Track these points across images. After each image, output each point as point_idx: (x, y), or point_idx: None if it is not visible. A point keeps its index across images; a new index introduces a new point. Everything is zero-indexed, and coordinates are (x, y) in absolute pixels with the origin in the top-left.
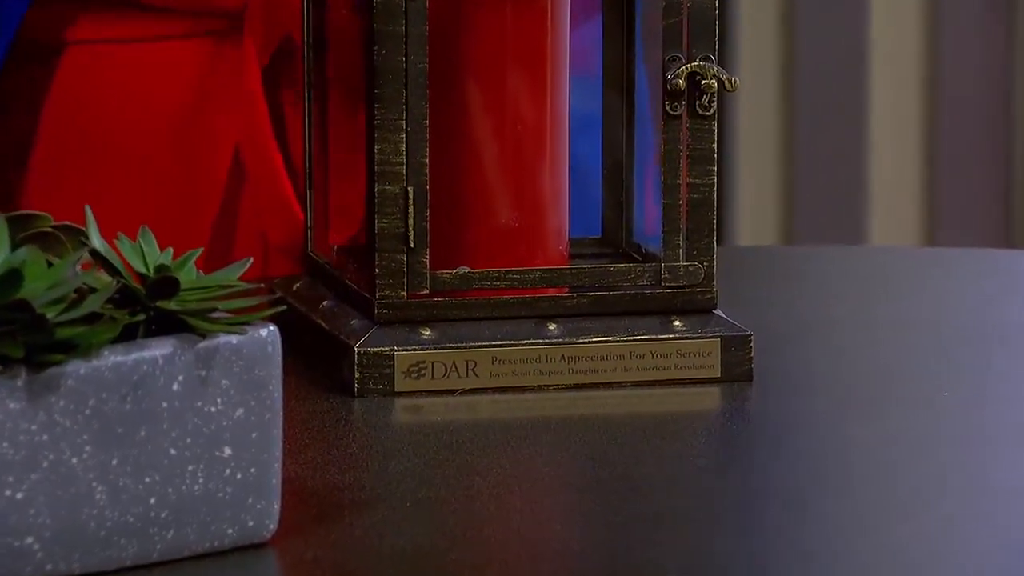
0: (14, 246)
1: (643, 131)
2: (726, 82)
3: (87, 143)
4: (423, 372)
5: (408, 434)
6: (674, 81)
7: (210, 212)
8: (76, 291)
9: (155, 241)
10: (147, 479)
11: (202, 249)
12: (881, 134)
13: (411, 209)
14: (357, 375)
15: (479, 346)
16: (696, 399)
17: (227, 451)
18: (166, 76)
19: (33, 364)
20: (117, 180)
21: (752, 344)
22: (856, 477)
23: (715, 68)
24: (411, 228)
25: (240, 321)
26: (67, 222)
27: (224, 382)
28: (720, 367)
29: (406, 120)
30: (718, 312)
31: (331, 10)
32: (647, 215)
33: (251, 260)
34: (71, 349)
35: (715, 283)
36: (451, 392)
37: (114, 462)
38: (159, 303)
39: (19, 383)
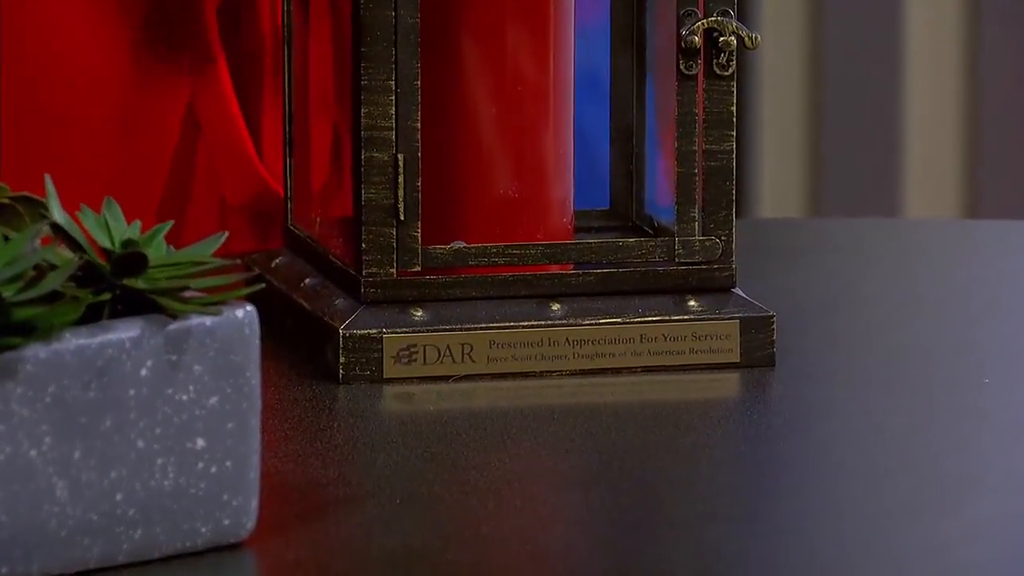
0: None
1: (655, 93)
2: (746, 39)
3: (17, 100)
4: (414, 357)
5: (398, 425)
6: (689, 38)
7: (160, 171)
8: (35, 268)
9: (121, 213)
10: (113, 473)
11: (172, 223)
12: (918, 95)
13: (401, 178)
14: (342, 360)
15: (475, 328)
16: (713, 386)
17: (200, 443)
18: (104, 24)
19: None
20: (54, 140)
21: (774, 326)
22: (890, 470)
23: (734, 24)
24: (401, 199)
25: (214, 301)
26: (26, 192)
27: (197, 367)
28: (739, 351)
29: (395, 80)
30: (737, 291)
31: None
32: (659, 185)
33: (226, 234)
34: (30, 332)
35: (734, 259)
36: (445, 379)
37: (76, 455)
38: (126, 281)
39: None
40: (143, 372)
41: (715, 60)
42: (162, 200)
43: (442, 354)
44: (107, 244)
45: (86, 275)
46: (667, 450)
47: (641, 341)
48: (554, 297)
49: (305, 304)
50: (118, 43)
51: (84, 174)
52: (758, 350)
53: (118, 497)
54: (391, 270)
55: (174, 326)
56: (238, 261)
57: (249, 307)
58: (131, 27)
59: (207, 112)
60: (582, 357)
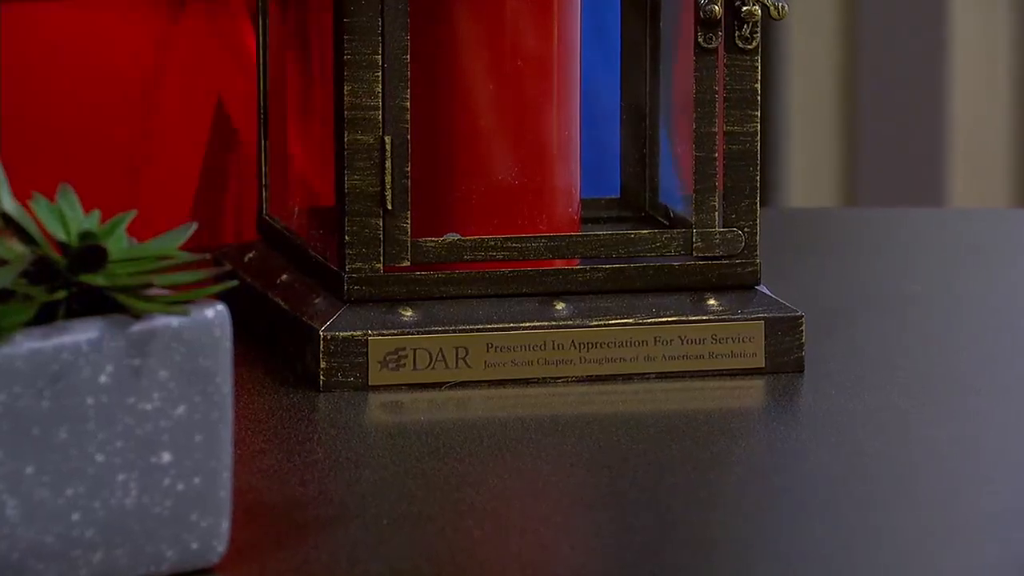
0: None
1: (671, 68)
2: (772, 8)
3: (32, 114)
4: (403, 361)
5: (385, 437)
6: (709, 7)
7: (190, 180)
8: None
9: (78, 202)
10: (69, 491)
11: (135, 212)
12: (965, 71)
13: (388, 163)
14: (323, 365)
15: (471, 330)
16: (735, 394)
17: (166, 457)
18: (120, 34)
19: None
20: (77, 155)
21: (803, 327)
22: (930, 489)
23: None
24: (388, 186)
25: (181, 299)
26: None
27: (162, 373)
28: (764, 355)
29: (382, 55)
30: (762, 288)
31: None
32: (676, 171)
33: (195, 226)
34: None
35: (758, 253)
36: (437, 386)
37: (29, 470)
38: (83, 277)
39: None
40: (102, 379)
41: (738, 32)
42: (193, 209)
43: (434, 359)
44: (63, 236)
45: (39, 271)
46: (684, 465)
47: (655, 344)
48: (558, 295)
49: (282, 303)
50: (140, 37)
51: (106, 182)
52: (785, 354)
53: (75, 517)
54: (377, 265)
55: (137, 327)
56: (207, 255)
57: (220, 306)
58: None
59: (239, 113)
60: (589, 362)
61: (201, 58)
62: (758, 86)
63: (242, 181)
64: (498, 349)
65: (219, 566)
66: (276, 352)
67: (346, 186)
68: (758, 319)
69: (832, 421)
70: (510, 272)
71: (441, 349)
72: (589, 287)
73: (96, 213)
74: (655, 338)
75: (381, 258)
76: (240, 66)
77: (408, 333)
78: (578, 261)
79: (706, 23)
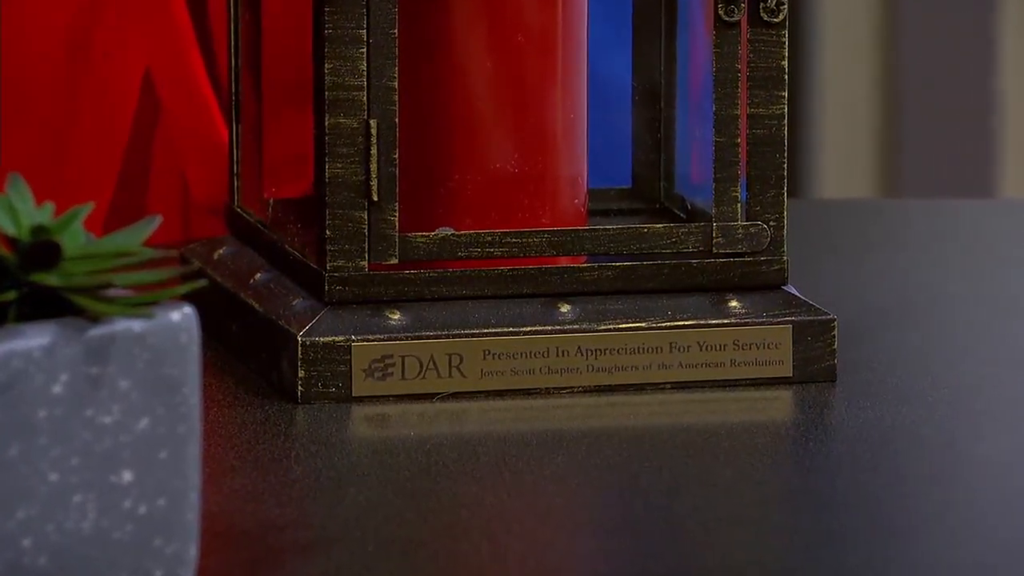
0: None
1: (688, 44)
2: None
3: None
4: (390, 370)
5: (371, 453)
6: None
7: (113, 160)
8: None
9: (30, 194)
10: (20, 513)
11: (92, 205)
12: (1016, 47)
13: (374, 149)
14: (302, 374)
15: (466, 335)
16: (760, 406)
17: (127, 476)
18: None
19: None
20: None
21: (835, 332)
22: (980, 512)
23: None
24: (374, 175)
25: (144, 301)
26: None
27: (123, 383)
28: (792, 363)
29: (367, 29)
30: (789, 289)
31: None
32: (693, 158)
33: (159, 219)
34: None
35: (785, 250)
36: (429, 397)
37: None
38: (35, 276)
39: None
40: (56, 389)
41: (762, 4)
42: (116, 190)
43: (424, 367)
44: (12, 231)
45: None
46: (703, 485)
47: (671, 351)
48: (563, 296)
49: (255, 305)
50: (59, 11)
51: (23, 160)
52: (815, 362)
53: (26, 543)
54: (361, 263)
55: (95, 332)
56: (174, 252)
57: (187, 309)
58: None
59: (168, 89)
60: (598, 370)
61: (128, 29)
62: (785, 63)
63: (167, 163)
64: (496, 356)
65: None
66: (249, 359)
67: (327, 175)
68: (785, 323)
69: (867, 436)
70: (509, 271)
71: (432, 356)
72: (597, 287)
73: (49, 206)
74: (671, 344)
75: (366, 255)
76: (169, 38)
77: (396, 339)
78: (585, 258)
79: None
